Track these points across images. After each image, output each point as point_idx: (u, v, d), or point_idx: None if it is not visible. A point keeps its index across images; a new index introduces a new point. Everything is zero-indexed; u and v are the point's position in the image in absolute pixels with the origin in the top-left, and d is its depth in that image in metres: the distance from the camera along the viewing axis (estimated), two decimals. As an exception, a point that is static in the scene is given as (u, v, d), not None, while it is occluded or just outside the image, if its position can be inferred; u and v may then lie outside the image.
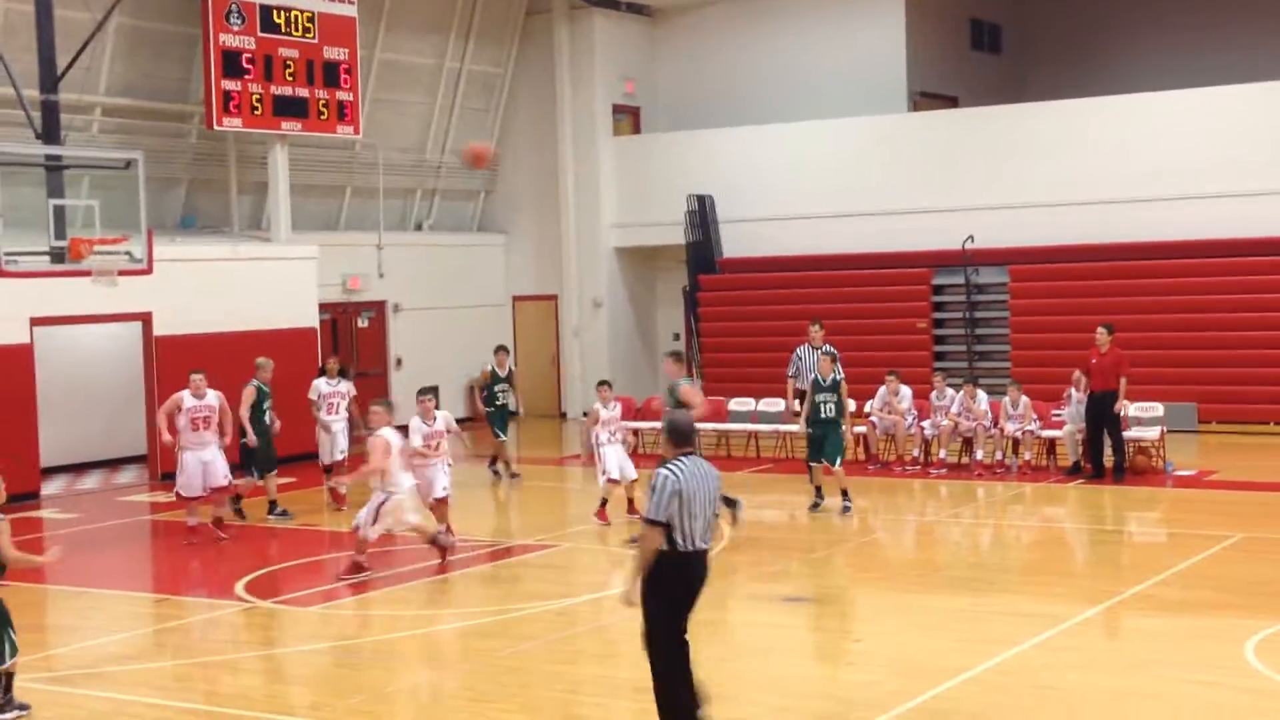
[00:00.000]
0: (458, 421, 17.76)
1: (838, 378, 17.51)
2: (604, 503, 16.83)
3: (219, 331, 22.24)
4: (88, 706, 10.68)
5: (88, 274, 17.37)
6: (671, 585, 8.75)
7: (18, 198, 17.89)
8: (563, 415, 29.50)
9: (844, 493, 17.33)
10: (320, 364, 20.52)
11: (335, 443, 19.16)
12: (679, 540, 8.64)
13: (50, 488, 20.91)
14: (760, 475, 21.06)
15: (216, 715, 10.24)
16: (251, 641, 12.70)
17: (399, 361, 28.03)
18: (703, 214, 27.58)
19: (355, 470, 16.64)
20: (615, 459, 16.84)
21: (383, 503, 14.22)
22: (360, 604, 13.64)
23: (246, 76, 23.16)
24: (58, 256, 17.31)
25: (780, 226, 27.12)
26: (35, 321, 20.33)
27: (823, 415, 17.41)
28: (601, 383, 17.91)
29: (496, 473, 21.09)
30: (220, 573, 15.18)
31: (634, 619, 11.85)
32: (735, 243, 27.65)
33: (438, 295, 28.60)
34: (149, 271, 18.23)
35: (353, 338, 27.41)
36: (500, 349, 21.71)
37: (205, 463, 16.51)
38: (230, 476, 16.87)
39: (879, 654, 11.39)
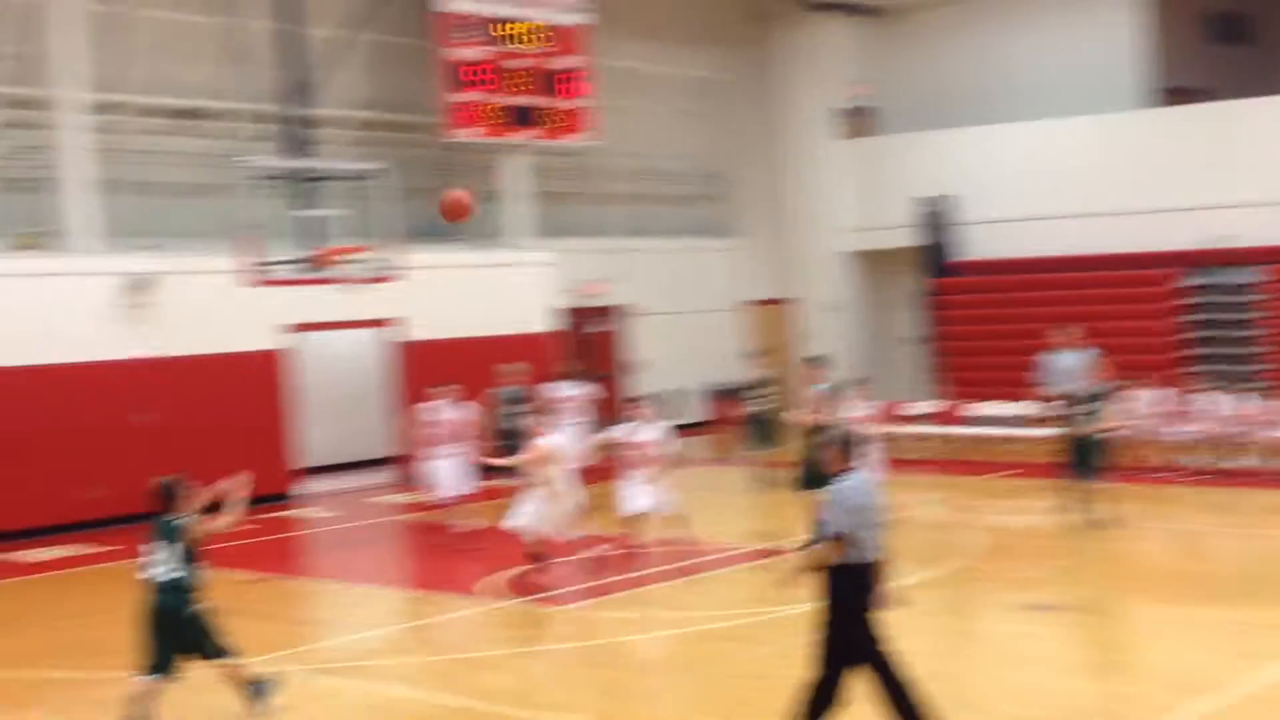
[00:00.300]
0: (692, 426, 17.69)
1: (1101, 388, 16.87)
2: None
3: (461, 337, 22.76)
4: (348, 699, 11.01)
5: (336, 282, 17.91)
6: (850, 598, 8.70)
7: (271, 209, 18.55)
8: (795, 420, 29.35)
9: (1094, 507, 16.70)
10: (562, 368, 20.62)
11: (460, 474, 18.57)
12: (856, 553, 8.61)
13: (309, 488, 21.63)
14: (1000, 480, 20.64)
15: (469, 712, 10.43)
16: (503, 639, 12.91)
17: (634, 366, 28.25)
18: (936, 216, 27.18)
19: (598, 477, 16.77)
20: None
21: (543, 503, 14.34)
22: (609, 605, 13.75)
23: (481, 88, 23.64)
24: (308, 266, 17.88)
25: (1018, 227, 26.54)
26: (291, 328, 21.08)
27: (1081, 425, 16.78)
28: (836, 385, 17.66)
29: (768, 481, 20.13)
30: (472, 571, 15.43)
31: (886, 625, 11.66)
32: (971, 245, 27.19)
33: (670, 300, 28.76)
34: (394, 279, 18.73)
35: (588, 343, 27.72)
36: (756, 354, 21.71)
37: (454, 470, 16.81)
38: (474, 485, 17.11)
39: (1133, 665, 11.04)
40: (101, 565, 16.39)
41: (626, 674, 11.36)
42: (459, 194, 9.74)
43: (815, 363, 16.62)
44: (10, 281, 18.64)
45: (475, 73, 23.60)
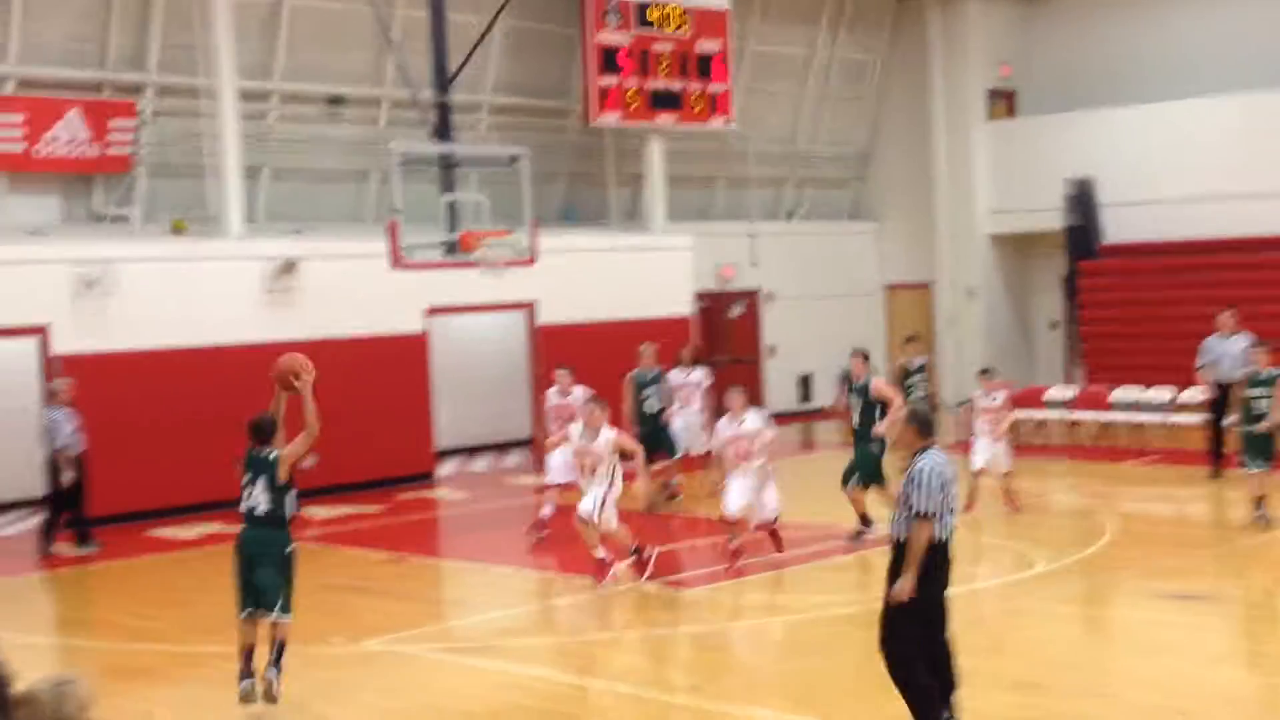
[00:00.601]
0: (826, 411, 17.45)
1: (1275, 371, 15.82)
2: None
3: (597, 320, 22.93)
4: (482, 677, 11.18)
5: (477, 266, 18.13)
6: (933, 578, 8.63)
7: (414, 194, 18.84)
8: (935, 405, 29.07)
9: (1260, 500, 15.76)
10: (685, 354, 19.90)
11: (690, 435, 18.57)
12: (938, 531, 8.56)
13: (444, 469, 21.96)
14: (1146, 467, 20.25)
15: (600, 691, 10.53)
16: (633, 621, 13.02)
17: (772, 350, 28.23)
18: (1083, 198, 26.67)
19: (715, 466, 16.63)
20: (984, 450, 16.52)
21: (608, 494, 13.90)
22: (737, 589, 13.78)
23: (623, 72, 23.76)
24: (450, 249, 18.13)
25: (1167, 209, 25.92)
26: (431, 311, 21.41)
27: (1252, 412, 15.79)
28: (983, 371, 17.55)
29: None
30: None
31: (1022, 612, 11.61)
32: (1118, 227, 26.62)
33: (809, 284, 28.66)
34: (533, 263, 18.89)
35: (725, 327, 27.76)
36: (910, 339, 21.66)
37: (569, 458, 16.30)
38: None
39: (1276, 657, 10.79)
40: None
41: (757, 656, 11.39)
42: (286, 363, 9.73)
43: (862, 357, 15.89)
44: (163, 265, 19.18)
45: (619, 57, 23.72)
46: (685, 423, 18.61)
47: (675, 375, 18.89)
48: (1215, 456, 18.70)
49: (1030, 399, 22.66)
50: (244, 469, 10.33)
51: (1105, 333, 25.89)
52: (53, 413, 16.64)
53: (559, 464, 15.95)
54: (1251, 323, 21.18)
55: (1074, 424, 23.22)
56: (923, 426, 8.85)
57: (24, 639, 12.13)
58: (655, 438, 17.92)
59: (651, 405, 18.32)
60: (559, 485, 16.15)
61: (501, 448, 23.85)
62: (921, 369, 20.74)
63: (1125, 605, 12.84)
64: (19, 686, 3.92)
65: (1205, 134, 25.88)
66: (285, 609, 10.12)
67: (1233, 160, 25.47)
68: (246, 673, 10.04)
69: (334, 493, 18.93)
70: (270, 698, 10.02)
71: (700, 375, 19.14)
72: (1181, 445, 21.58)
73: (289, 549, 10.22)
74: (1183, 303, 24.81)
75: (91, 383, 17.48)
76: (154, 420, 18.18)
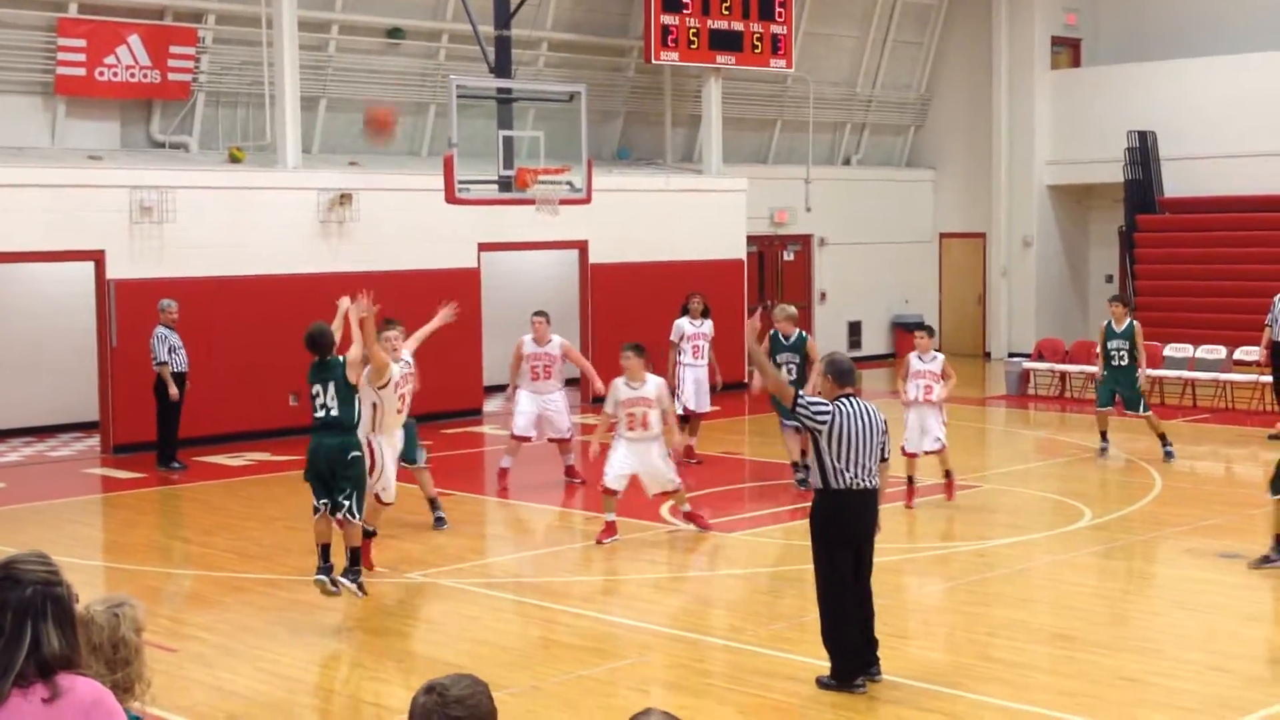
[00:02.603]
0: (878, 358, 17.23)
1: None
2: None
3: (650, 261, 22.93)
4: (522, 612, 11.31)
5: (531, 203, 18.11)
6: (825, 524, 8.90)
7: (470, 129, 18.83)
8: (986, 355, 28.96)
9: (1162, 437, 17.07)
10: (695, 303, 17.90)
11: (699, 390, 17.35)
12: (832, 479, 8.76)
13: (491, 406, 22.06)
14: (1195, 425, 20.12)
15: (640, 630, 10.63)
16: (673, 564, 13.10)
17: (823, 296, 28.16)
18: (1144, 151, 26.36)
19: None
20: (915, 425, 14.55)
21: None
22: (781, 533, 13.84)
23: (685, 11, 23.61)
24: (505, 185, 18.11)
25: (1227, 164, 25.60)
26: (483, 247, 21.45)
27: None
28: (919, 327, 15.51)
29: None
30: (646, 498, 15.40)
31: (1056, 564, 11.66)
32: (1177, 181, 26.33)
33: (863, 230, 28.52)
34: (588, 201, 18.84)
35: (778, 271, 27.69)
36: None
37: (545, 411, 15.83)
38: (571, 428, 16.25)
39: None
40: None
41: (796, 600, 11.43)
42: (382, 110, 10.00)
43: (790, 318, 15.42)
44: (218, 194, 19.28)
45: (681, -4, 23.56)
46: (694, 377, 17.30)
47: (685, 325, 17.47)
48: None
49: (1083, 354, 22.51)
50: (310, 381, 10.70)
51: (1160, 287, 25.64)
52: (160, 331, 16.97)
53: (527, 418, 15.73)
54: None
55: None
56: (839, 375, 8.96)
57: (75, 560, 12.36)
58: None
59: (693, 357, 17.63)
60: (524, 439, 15.92)
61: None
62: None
63: (1171, 563, 12.80)
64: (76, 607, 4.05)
65: (1268, 89, 25.50)
66: (353, 512, 10.59)
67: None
68: (324, 567, 10.58)
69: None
70: (362, 591, 10.73)
71: (710, 327, 17.55)
72: (1232, 404, 21.43)
73: (357, 453, 10.67)
74: (1240, 260, 24.59)
75: (145, 309, 17.66)
76: (205, 348, 18.33)
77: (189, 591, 12.19)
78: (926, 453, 14.57)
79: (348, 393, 10.54)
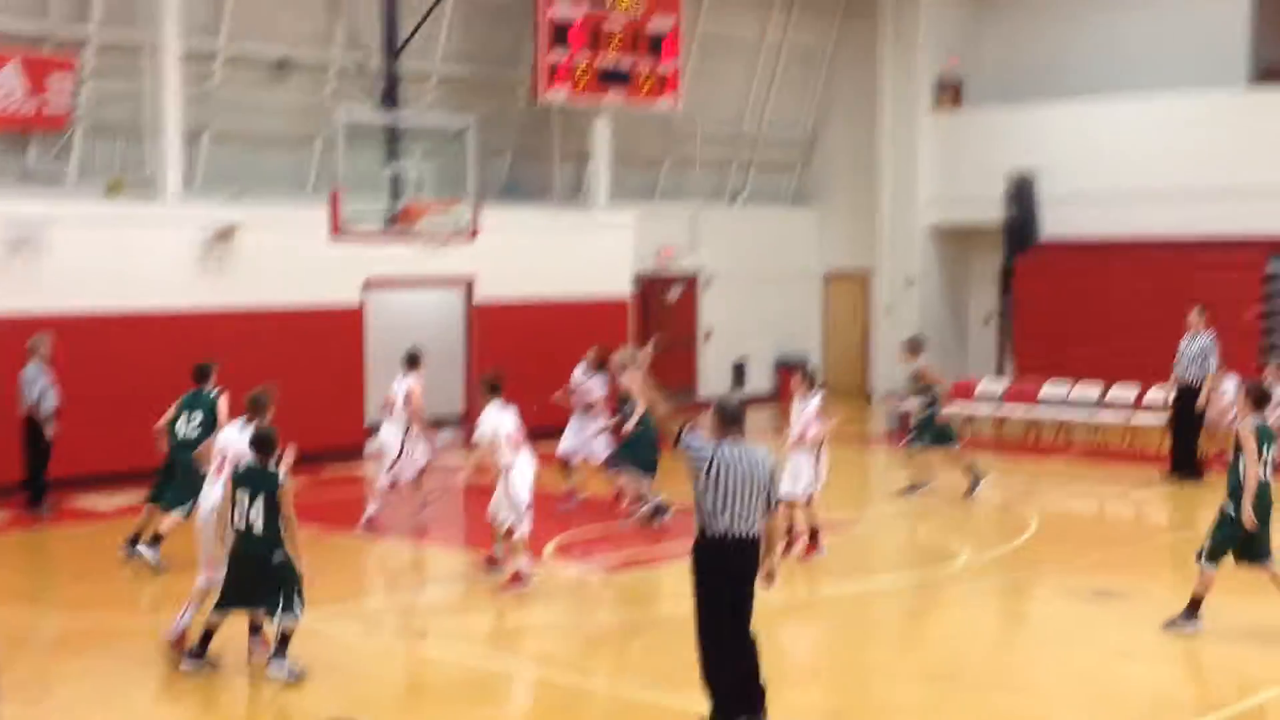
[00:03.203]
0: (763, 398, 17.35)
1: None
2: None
3: (536, 299, 22.89)
4: (401, 658, 11.17)
5: (419, 238, 18.00)
6: (700, 568, 8.81)
7: (355, 162, 18.67)
8: (868, 395, 29.21)
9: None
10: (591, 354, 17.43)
11: (578, 435, 17.02)
12: (708, 525, 8.68)
13: (374, 445, 21.79)
14: (1070, 465, 20.47)
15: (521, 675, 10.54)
16: (557, 608, 13.02)
17: (708, 334, 28.28)
18: (1022, 191, 26.85)
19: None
20: (793, 471, 14.32)
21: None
22: (669, 574, 13.80)
23: (573, 48, 23.67)
24: (392, 220, 17.98)
25: (1106, 206, 26.09)
26: (369, 284, 21.29)
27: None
28: (798, 369, 15.51)
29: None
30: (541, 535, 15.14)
31: (933, 604, 11.75)
32: (1057, 222, 26.80)
33: (750, 268, 28.68)
34: (474, 238, 18.73)
35: (662, 310, 27.73)
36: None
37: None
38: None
39: (1191, 655, 10.96)
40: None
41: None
42: None
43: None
44: (97, 227, 18.93)
45: (570, 32, 23.61)
46: (578, 425, 16.96)
47: (578, 376, 17.08)
48: (1178, 457, 18.74)
49: (963, 393, 22.85)
50: (236, 480, 10.31)
51: (1038, 328, 26.08)
52: (30, 369, 16.50)
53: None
54: (1182, 321, 21.29)
55: (1003, 419, 23.45)
56: (723, 419, 8.88)
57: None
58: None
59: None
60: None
61: (433, 425, 23.69)
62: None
63: (1045, 601, 12.99)
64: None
65: (1145, 130, 26.08)
66: (290, 610, 10.15)
67: (1175, 159, 25.65)
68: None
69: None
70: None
71: (599, 382, 17.03)
72: (1106, 442, 21.84)
73: (278, 559, 10.18)
74: (1117, 300, 25.08)
75: (18, 345, 17.22)
76: (80, 385, 17.92)
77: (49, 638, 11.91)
78: (797, 500, 13.89)
79: (278, 505, 10.20)
